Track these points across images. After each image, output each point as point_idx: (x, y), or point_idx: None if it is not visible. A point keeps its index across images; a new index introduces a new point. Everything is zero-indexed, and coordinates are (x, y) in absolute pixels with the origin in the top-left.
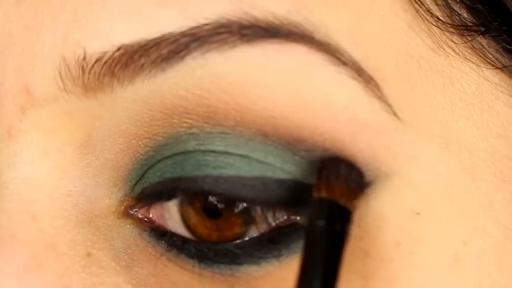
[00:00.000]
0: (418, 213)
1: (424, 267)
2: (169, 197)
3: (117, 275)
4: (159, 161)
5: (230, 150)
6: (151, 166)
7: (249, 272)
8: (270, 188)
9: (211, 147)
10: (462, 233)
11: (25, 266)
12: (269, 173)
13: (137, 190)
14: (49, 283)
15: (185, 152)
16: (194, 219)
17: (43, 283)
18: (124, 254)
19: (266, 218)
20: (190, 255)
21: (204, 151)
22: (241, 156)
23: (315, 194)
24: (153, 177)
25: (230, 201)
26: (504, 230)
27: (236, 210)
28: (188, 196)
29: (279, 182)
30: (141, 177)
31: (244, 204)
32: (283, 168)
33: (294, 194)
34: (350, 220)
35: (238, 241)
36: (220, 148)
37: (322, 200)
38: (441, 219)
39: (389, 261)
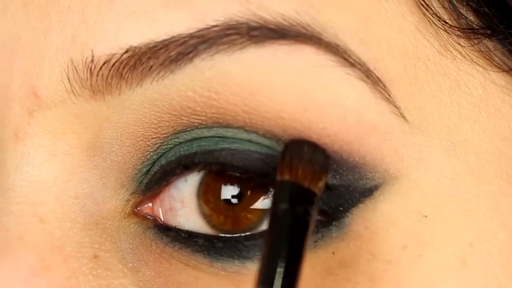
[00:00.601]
0: (425, 216)
1: (431, 269)
2: (184, 168)
3: (124, 277)
4: (174, 146)
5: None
6: (164, 153)
7: (255, 269)
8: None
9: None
10: (469, 236)
11: (33, 268)
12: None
13: (146, 180)
14: (56, 286)
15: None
16: (209, 208)
17: (50, 285)
18: (131, 255)
19: None
20: (196, 249)
21: (222, 127)
22: (254, 142)
23: (278, 177)
24: (165, 160)
25: (245, 172)
26: (511, 233)
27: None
28: (205, 167)
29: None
30: (152, 166)
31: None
32: None
33: None
34: (315, 202)
35: (248, 233)
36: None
37: (285, 182)
38: (448, 222)
39: (396, 263)
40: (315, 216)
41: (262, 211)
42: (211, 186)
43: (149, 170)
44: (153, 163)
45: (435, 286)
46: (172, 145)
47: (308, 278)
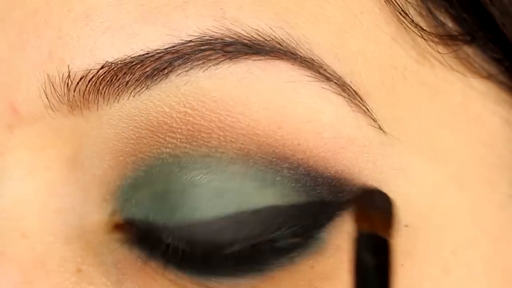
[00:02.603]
0: (406, 225)
1: (414, 279)
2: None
3: None
4: (143, 187)
5: (210, 177)
6: (136, 190)
7: (233, 284)
8: (244, 222)
9: (193, 173)
10: (451, 244)
11: (15, 284)
12: (244, 206)
13: (125, 213)
14: None
15: (164, 190)
16: None
17: None
18: (114, 269)
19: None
20: (178, 266)
21: (181, 190)
22: (216, 189)
23: (357, 227)
24: (137, 212)
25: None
26: (493, 240)
27: None
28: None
29: (256, 212)
30: (130, 196)
31: None
32: (261, 193)
33: (271, 222)
34: (390, 249)
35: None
36: (202, 174)
37: (368, 235)
38: (430, 231)
39: None
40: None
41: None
42: None
43: (128, 197)
44: (132, 191)
45: None
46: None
47: None
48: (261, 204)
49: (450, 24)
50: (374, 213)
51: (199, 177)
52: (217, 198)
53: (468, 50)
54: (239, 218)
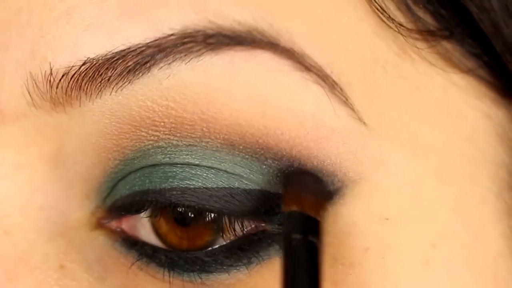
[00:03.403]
0: (387, 218)
1: (394, 271)
2: (138, 210)
3: (90, 286)
4: (129, 174)
5: (197, 162)
6: (121, 179)
7: (219, 280)
8: (237, 198)
9: (178, 160)
10: (431, 237)
11: None
12: (236, 184)
13: (108, 202)
14: None
15: (153, 165)
16: (165, 228)
17: None
18: (97, 265)
19: (234, 228)
20: (161, 264)
21: (171, 164)
22: (208, 167)
23: (284, 208)
24: (123, 190)
25: (198, 212)
26: (474, 233)
27: (205, 220)
28: (156, 209)
29: (246, 192)
30: (112, 189)
31: (213, 215)
32: (250, 178)
33: (261, 204)
34: (321, 230)
35: (208, 249)
36: (187, 160)
37: (294, 214)
38: (410, 224)
39: (359, 266)
40: (322, 245)
41: (215, 228)
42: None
43: (110, 192)
44: (113, 187)
45: (398, 287)
46: (128, 169)
47: (271, 285)
48: (251, 187)
49: (428, 19)
50: (304, 194)
51: (187, 160)
52: (208, 172)
53: (447, 45)
54: (231, 191)
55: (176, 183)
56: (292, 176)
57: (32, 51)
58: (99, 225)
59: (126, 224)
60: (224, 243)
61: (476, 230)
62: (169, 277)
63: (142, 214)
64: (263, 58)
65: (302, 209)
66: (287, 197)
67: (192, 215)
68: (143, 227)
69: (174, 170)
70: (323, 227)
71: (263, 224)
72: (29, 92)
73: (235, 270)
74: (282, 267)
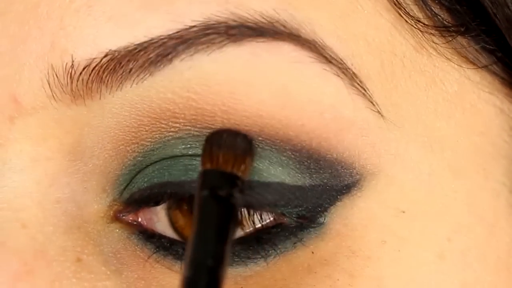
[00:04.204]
0: (403, 211)
1: (410, 264)
2: (156, 202)
3: (107, 279)
4: (147, 166)
5: None
6: (139, 172)
7: (237, 272)
8: (256, 191)
9: (198, 151)
10: (446, 231)
11: (16, 273)
12: (255, 177)
13: (126, 195)
14: None
15: (172, 157)
16: (182, 221)
17: None
18: (113, 258)
19: (253, 221)
20: (178, 256)
21: (191, 156)
22: None
23: (200, 168)
24: (141, 182)
25: None
26: (488, 227)
27: None
28: (175, 201)
29: (266, 185)
30: (130, 182)
31: None
32: (269, 170)
33: (280, 196)
34: (238, 184)
35: None
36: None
37: (206, 171)
38: (426, 217)
39: (375, 259)
40: (240, 198)
41: None
42: (180, 207)
43: (128, 185)
44: (131, 179)
45: (414, 280)
46: (147, 162)
47: (287, 278)
48: (270, 179)
49: (444, 15)
50: (216, 150)
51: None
52: None
53: (463, 40)
54: (250, 183)
55: (196, 175)
56: (209, 135)
57: (53, 43)
58: (116, 218)
59: (143, 217)
60: (241, 236)
61: (490, 224)
62: None
63: (160, 207)
64: (284, 50)
65: (215, 167)
66: (202, 157)
67: None
68: (159, 220)
69: (194, 163)
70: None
71: (281, 217)
72: (49, 85)
73: (252, 263)
74: (191, 228)
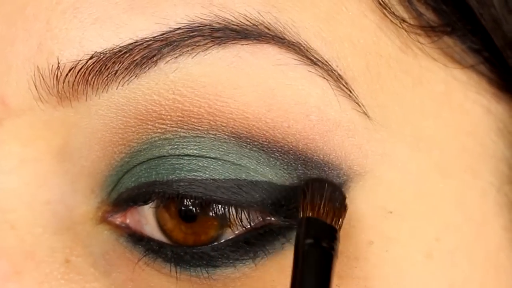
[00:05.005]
0: (391, 212)
1: (398, 264)
2: (144, 201)
3: (95, 280)
4: (134, 166)
5: (204, 153)
6: (127, 172)
7: (226, 274)
8: (244, 190)
9: (185, 151)
10: (434, 230)
11: (5, 274)
12: (243, 175)
13: (114, 195)
14: None
15: (160, 157)
16: (170, 223)
17: None
18: (102, 260)
19: (241, 220)
20: (167, 259)
21: (178, 155)
22: (215, 159)
23: (301, 214)
24: (128, 182)
25: (205, 203)
26: (476, 226)
27: (211, 214)
28: (163, 200)
29: (253, 183)
30: (117, 183)
31: (219, 207)
32: (257, 170)
33: (268, 195)
34: (337, 238)
35: (214, 243)
36: (195, 152)
37: (309, 219)
38: (414, 217)
39: (364, 260)
40: (337, 252)
41: (220, 222)
42: (168, 209)
43: (115, 185)
44: (119, 180)
45: (402, 280)
46: (134, 162)
47: (276, 279)
48: (257, 178)
49: (430, 15)
50: (319, 200)
51: (195, 150)
52: (215, 164)
53: (449, 40)
54: (238, 182)
55: (183, 174)
56: (311, 182)
57: (39, 45)
58: (104, 219)
59: (131, 219)
60: (230, 237)
61: (478, 224)
62: (176, 272)
63: (148, 206)
64: (269, 52)
65: (317, 216)
66: (304, 204)
67: (198, 210)
68: (148, 223)
69: (182, 162)
70: (340, 235)
71: (269, 218)
72: (35, 87)
73: (241, 264)
74: (292, 273)
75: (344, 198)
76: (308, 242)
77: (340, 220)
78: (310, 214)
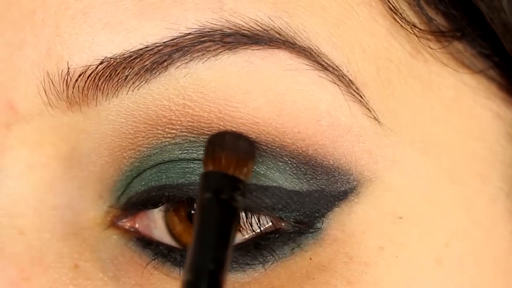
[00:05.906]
0: (400, 217)
1: (408, 270)
2: (154, 205)
3: (104, 285)
4: (144, 170)
5: None
6: (136, 176)
7: (235, 278)
8: (253, 194)
9: (195, 155)
10: (443, 236)
11: (13, 280)
12: (253, 180)
13: (123, 200)
14: None
15: (170, 161)
16: (179, 227)
17: None
18: (111, 264)
19: (251, 224)
20: (176, 263)
21: (188, 160)
22: None
23: (203, 170)
24: (138, 186)
25: None
26: (485, 232)
27: None
28: (173, 204)
29: (263, 188)
30: (126, 187)
31: None
32: (267, 175)
33: (278, 201)
34: (241, 188)
35: None
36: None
37: (208, 173)
38: (423, 223)
39: (373, 265)
40: (242, 201)
41: None
42: (177, 213)
43: (125, 190)
44: (128, 184)
45: (412, 286)
46: (144, 167)
47: (286, 284)
48: (267, 183)
49: (440, 20)
50: (219, 152)
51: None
52: None
53: (459, 46)
54: (248, 187)
55: (193, 178)
56: (212, 137)
57: (49, 50)
58: (113, 224)
59: (140, 223)
60: (240, 241)
61: (487, 229)
62: None
63: (157, 209)
64: (280, 57)
65: (218, 169)
66: (204, 158)
67: None
68: (157, 227)
69: (192, 166)
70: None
71: (279, 223)
72: (45, 92)
73: (250, 269)
74: (193, 229)
75: (250, 144)
76: (206, 197)
77: (245, 169)
78: (211, 168)
